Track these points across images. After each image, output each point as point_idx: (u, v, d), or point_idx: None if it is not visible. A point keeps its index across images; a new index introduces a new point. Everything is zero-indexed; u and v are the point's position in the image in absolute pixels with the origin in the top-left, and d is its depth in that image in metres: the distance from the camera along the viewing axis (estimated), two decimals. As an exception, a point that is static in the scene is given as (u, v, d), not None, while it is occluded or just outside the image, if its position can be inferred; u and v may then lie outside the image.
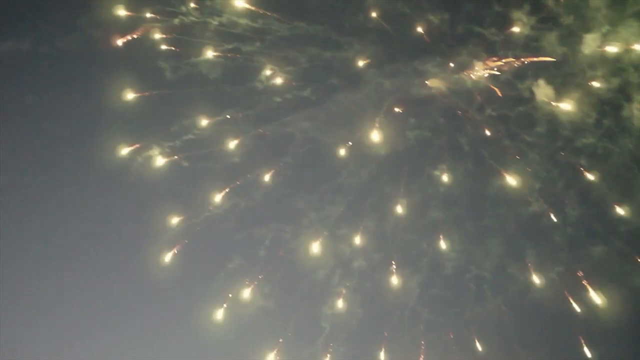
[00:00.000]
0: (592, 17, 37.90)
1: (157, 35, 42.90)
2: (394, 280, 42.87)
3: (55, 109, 44.57)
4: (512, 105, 40.82)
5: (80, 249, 45.12)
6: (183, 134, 43.37)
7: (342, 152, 42.77)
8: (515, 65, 40.02)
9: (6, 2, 44.53)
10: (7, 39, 44.17)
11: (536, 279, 41.29)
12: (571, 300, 40.86)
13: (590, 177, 40.33)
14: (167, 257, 43.20)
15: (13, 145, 44.54)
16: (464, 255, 42.43)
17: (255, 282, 43.44)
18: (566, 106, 39.07)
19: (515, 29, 39.92)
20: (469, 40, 40.69)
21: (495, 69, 40.21)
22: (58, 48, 43.93)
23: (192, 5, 42.37)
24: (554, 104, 39.47)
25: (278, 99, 43.10)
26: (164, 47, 42.99)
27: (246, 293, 43.33)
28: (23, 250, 44.83)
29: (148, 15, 42.59)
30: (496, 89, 40.66)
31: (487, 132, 41.51)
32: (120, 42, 42.85)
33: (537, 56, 39.72)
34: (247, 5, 42.06)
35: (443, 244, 42.46)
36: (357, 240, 43.18)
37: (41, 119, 44.83)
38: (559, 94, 39.41)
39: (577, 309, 40.79)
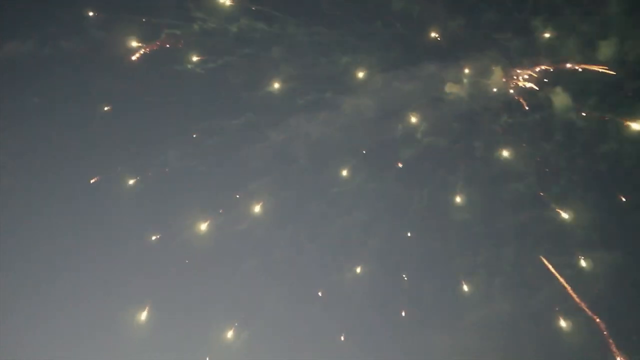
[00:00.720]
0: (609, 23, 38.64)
1: (173, 41, 42.95)
2: (405, 284, 42.92)
3: (59, 111, 44.18)
4: (529, 112, 41.46)
5: (80, 249, 44.25)
6: (199, 139, 43.35)
7: (356, 156, 43.06)
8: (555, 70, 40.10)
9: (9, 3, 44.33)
10: (10, 40, 43.68)
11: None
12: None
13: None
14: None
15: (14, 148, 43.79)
16: (476, 257, 42.48)
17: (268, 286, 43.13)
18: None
19: (534, 36, 40.64)
20: (488, 46, 41.26)
21: (526, 78, 40.58)
22: (65, 50, 43.55)
23: (209, 11, 42.54)
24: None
25: (292, 103, 43.26)
26: (178, 51, 42.96)
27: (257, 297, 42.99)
28: (24, 251, 44.01)
29: (166, 20, 42.70)
30: (522, 101, 41.15)
31: (503, 138, 41.96)
32: (134, 46, 42.77)
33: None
34: (265, 9, 42.54)
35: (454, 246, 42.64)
36: (370, 244, 43.11)
37: (43, 120, 44.25)
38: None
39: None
